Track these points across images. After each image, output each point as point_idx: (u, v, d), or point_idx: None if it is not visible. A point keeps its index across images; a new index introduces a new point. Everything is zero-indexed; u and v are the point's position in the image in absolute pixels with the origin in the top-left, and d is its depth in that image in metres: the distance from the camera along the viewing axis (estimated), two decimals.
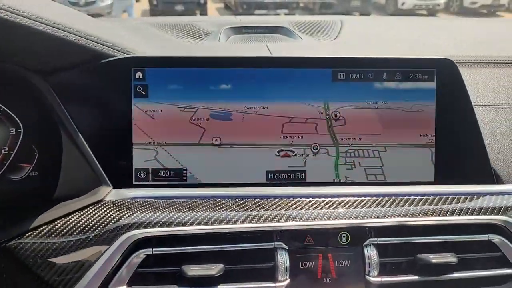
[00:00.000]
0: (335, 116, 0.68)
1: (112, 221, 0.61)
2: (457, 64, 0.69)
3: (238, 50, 0.92)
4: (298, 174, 0.68)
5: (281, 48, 0.91)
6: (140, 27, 1.01)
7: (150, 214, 0.62)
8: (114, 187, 0.66)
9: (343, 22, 1.09)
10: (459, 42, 0.99)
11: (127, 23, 1.08)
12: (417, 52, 0.88)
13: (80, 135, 0.65)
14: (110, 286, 0.58)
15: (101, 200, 0.64)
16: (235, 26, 1.05)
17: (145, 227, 0.60)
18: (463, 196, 0.67)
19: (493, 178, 0.69)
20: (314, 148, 0.68)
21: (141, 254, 0.60)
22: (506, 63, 0.85)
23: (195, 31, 1.03)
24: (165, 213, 0.62)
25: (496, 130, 0.74)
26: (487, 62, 0.86)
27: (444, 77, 0.68)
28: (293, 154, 0.67)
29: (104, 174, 0.66)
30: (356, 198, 0.66)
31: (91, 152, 0.65)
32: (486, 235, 0.64)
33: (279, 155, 0.67)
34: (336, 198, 0.66)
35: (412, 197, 0.66)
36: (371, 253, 0.62)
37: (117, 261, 0.59)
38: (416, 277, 0.62)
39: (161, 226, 0.61)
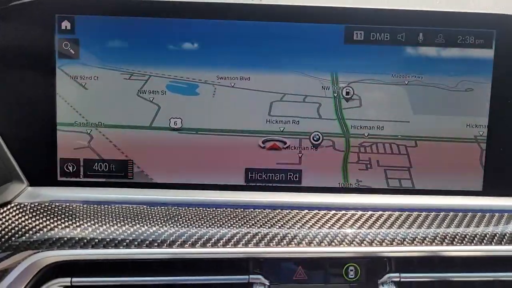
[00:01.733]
0: (347, 93, 0.56)
1: (17, 234, 0.50)
2: None
3: None
4: (290, 175, 0.57)
5: None
6: None
7: (74, 227, 0.50)
8: (31, 184, 0.57)
9: None
10: None
11: None
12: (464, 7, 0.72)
13: None
14: None
15: (8, 202, 0.54)
16: None
17: (63, 245, 0.49)
18: None
19: None
20: (315, 138, 0.56)
21: (55, 285, 0.49)
22: None
23: None
24: (96, 226, 0.51)
25: None
26: None
27: (507, 42, 0.55)
28: (284, 146, 0.57)
29: (17, 166, 0.55)
30: (371, 213, 0.54)
31: None
32: None
33: (264, 147, 0.56)
34: (343, 212, 0.54)
35: (451, 213, 0.54)
36: None
37: None
38: None
39: (87, 245, 0.49)
